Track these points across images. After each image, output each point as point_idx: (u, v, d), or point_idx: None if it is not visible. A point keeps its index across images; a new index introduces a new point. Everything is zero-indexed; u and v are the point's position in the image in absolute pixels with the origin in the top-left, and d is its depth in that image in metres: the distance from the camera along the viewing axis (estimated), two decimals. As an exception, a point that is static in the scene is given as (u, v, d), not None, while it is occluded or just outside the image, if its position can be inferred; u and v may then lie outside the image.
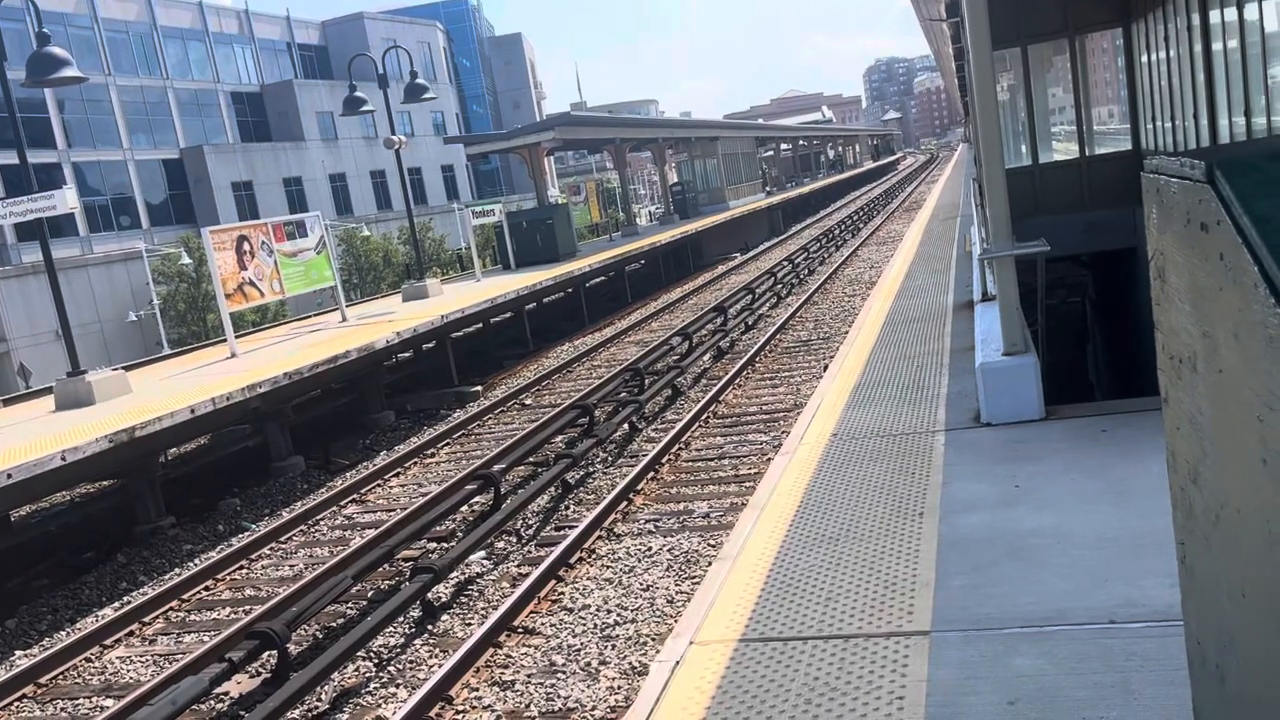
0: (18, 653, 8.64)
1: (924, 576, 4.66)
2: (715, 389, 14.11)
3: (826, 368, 11.44)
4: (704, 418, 12.96)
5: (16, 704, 7.45)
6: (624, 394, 14.09)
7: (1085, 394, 15.92)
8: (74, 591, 10.04)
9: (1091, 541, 4.89)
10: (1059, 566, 4.66)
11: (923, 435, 6.97)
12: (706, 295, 26.75)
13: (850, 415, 7.83)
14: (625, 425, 12.78)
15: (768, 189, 55.33)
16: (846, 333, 12.66)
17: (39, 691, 7.64)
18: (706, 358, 16.92)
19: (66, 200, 12.74)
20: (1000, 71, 16.97)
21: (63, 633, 8.95)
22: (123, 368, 15.26)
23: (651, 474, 10.80)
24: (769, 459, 9.90)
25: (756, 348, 16.73)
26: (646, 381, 14.58)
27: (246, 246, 16.01)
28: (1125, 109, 15.76)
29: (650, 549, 8.73)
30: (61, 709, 7.36)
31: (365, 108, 21.15)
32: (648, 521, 9.47)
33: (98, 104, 52.68)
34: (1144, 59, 14.45)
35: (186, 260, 40.40)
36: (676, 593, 7.70)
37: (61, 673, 7.91)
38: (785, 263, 28.61)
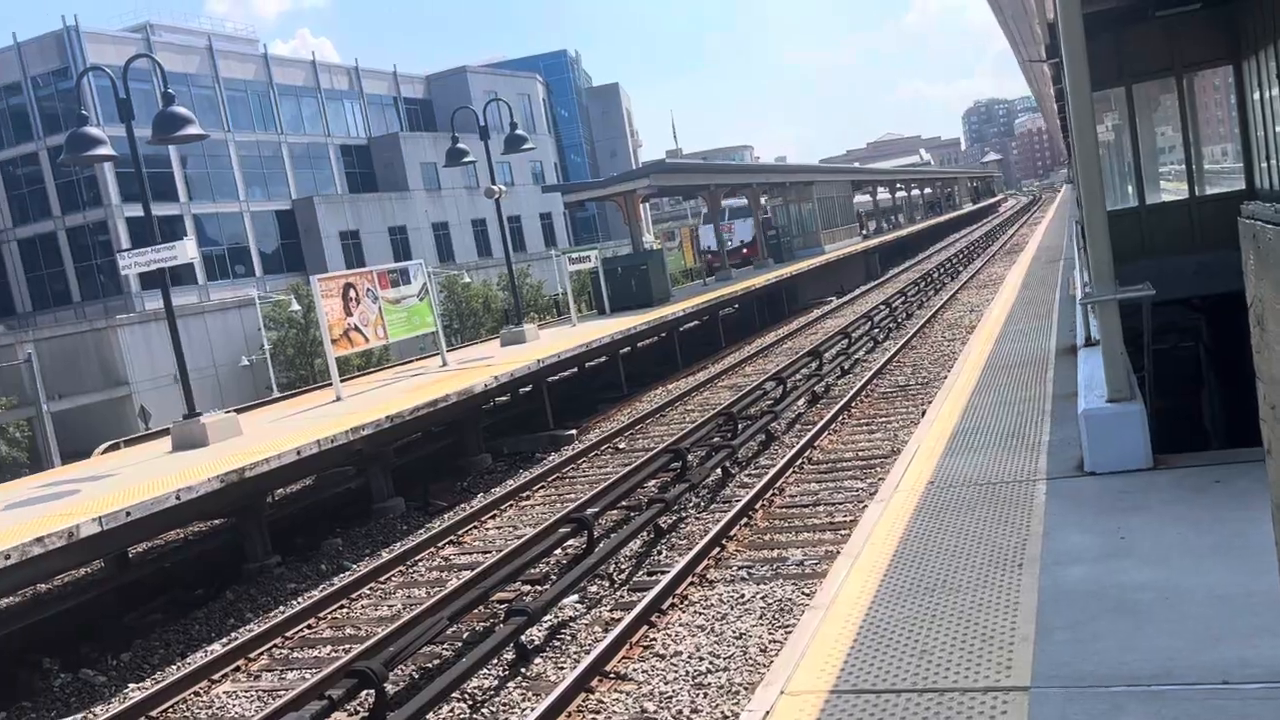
0: (131, 685, 8.99)
1: (1023, 630, 4.53)
2: (810, 434, 13.97)
3: (924, 413, 11.25)
4: (798, 463, 12.84)
5: (129, 735, 7.74)
6: (717, 438, 14.05)
7: (1201, 442, 15.26)
8: (185, 627, 10.40)
9: (1202, 597, 4.68)
10: (1167, 623, 4.47)
11: (1023, 484, 6.79)
12: (801, 339, 26.57)
13: (948, 463, 7.68)
14: (718, 470, 12.73)
15: (863, 232, 54.90)
16: (945, 377, 12.42)
17: (150, 723, 7.92)
18: (801, 402, 16.78)
19: (187, 251, 13.41)
20: (1104, 111, 16.61)
21: (173, 667, 9.27)
22: (234, 410, 15.88)
23: (745, 520, 10.72)
24: (864, 506, 9.74)
25: (853, 392, 16.53)
26: (740, 426, 14.52)
27: (352, 293, 16.57)
28: (1239, 147, 15.22)
29: (743, 596, 8.66)
30: (171, 741, 7.61)
31: (467, 159, 21.77)
32: (741, 568, 9.40)
33: (217, 159, 55.43)
34: (1256, 96, 13.97)
35: (296, 307, 41.92)
36: (769, 641, 7.61)
37: (171, 706, 8.19)
38: (882, 306, 28.27)
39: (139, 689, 8.78)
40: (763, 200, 41.46)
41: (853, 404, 16.01)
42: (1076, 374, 9.08)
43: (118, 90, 13.38)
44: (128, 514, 9.57)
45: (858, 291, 38.33)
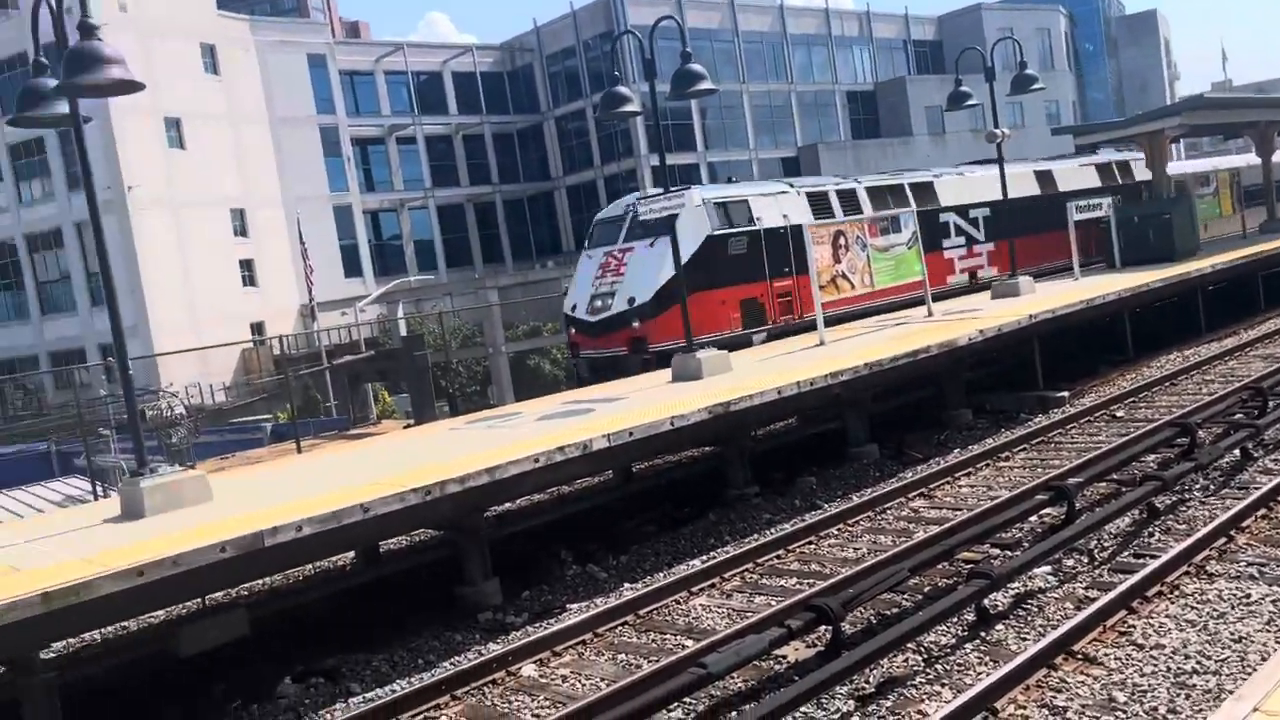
0: (625, 585, 10.21)
1: None
2: (1364, 420, 11.78)
3: None
4: (1343, 453, 10.90)
5: (620, 628, 8.84)
6: (1239, 415, 12.36)
7: None
8: (673, 541, 11.55)
9: None
10: None
11: None
12: (1370, 306, 22.20)
13: None
14: (1236, 451, 11.21)
15: None
16: None
17: (637, 621, 8.97)
18: (1358, 381, 14.12)
19: (692, 199, 14.56)
20: None
21: (660, 574, 10.36)
22: (726, 349, 17.01)
23: (1263, 511, 9.39)
24: None
25: None
26: (1270, 403, 12.61)
27: (842, 241, 16.91)
28: None
29: (1249, 596, 7.65)
30: (651, 639, 8.57)
31: (969, 102, 20.94)
32: (1250, 564, 8.29)
33: (732, 110, 59.01)
34: None
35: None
36: (1276, 653, 6.67)
37: (656, 609, 9.19)
38: None
39: (631, 589, 9.94)
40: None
41: None
42: None
43: (644, 51, 14.76)
44: (630, 434, 10.79)
45: None
